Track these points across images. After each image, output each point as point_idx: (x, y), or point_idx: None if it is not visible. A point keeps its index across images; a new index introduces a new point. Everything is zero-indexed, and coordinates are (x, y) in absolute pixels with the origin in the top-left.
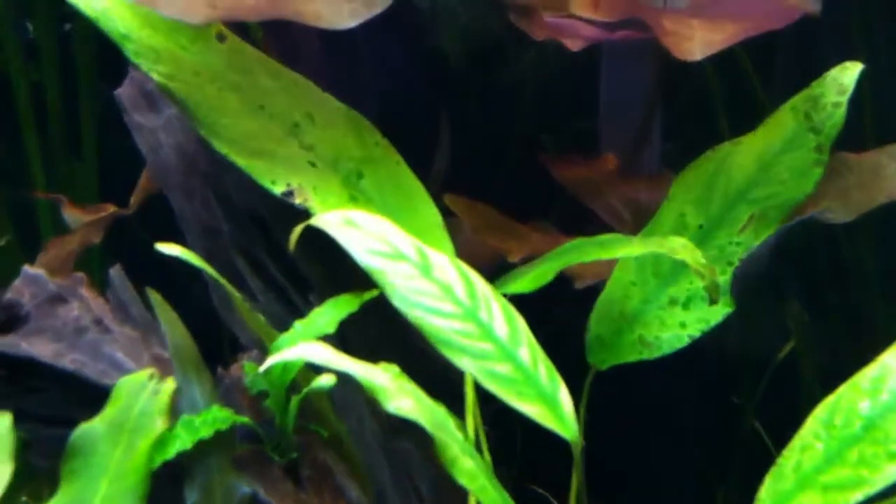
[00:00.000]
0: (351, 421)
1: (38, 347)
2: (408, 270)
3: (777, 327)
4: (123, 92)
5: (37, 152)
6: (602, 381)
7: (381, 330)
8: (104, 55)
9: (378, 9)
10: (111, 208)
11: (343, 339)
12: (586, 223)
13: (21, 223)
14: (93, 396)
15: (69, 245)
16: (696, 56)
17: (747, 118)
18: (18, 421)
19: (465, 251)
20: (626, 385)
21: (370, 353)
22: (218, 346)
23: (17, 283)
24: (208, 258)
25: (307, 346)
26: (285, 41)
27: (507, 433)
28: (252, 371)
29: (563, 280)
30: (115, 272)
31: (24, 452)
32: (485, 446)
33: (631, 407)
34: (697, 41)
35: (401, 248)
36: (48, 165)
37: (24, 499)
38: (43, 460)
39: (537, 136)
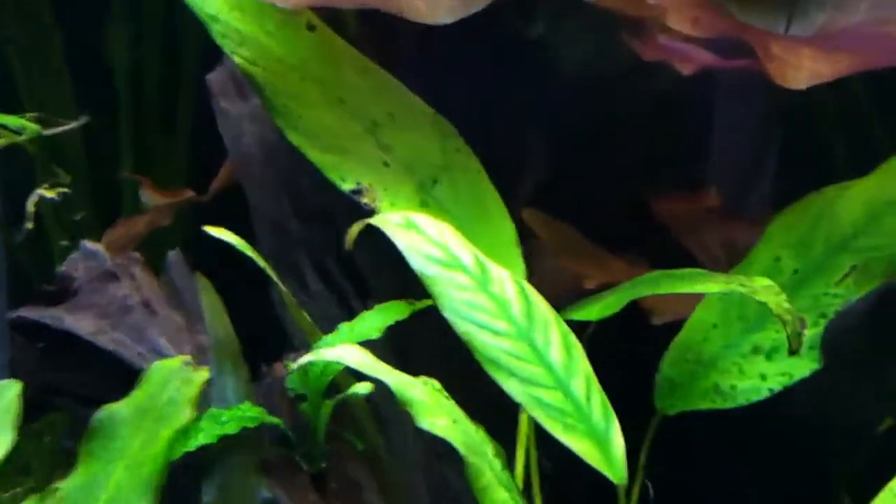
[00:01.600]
0: (394, 437)
1: (81, 323)
2: (463, 281)
3: (876, 393)
4: (215, 77)
5: (129, 134)
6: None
7: (444, 350)
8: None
9: (476, 7)
10: (188, 193)
11: (404, 355)
12: (683, 264)
13: (104, 202)
14: (129, 379)
15: (137, 226)
16: (801, 85)
17: (870, 162)
18: (55, 396)
19: (545, 276)
20: (695, 436)
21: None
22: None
23: (73, 256)
24: (275, 254)
25: (345, 348)
26: (381, 38)
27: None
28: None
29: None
30: (174, 256)
31: (60, 433)
32: (535, 483)
33: (703, 462)
34: (805, 70)
35: (460, 257)
36: (139, 147)
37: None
38: (73, 441)
39: (642, 169)
